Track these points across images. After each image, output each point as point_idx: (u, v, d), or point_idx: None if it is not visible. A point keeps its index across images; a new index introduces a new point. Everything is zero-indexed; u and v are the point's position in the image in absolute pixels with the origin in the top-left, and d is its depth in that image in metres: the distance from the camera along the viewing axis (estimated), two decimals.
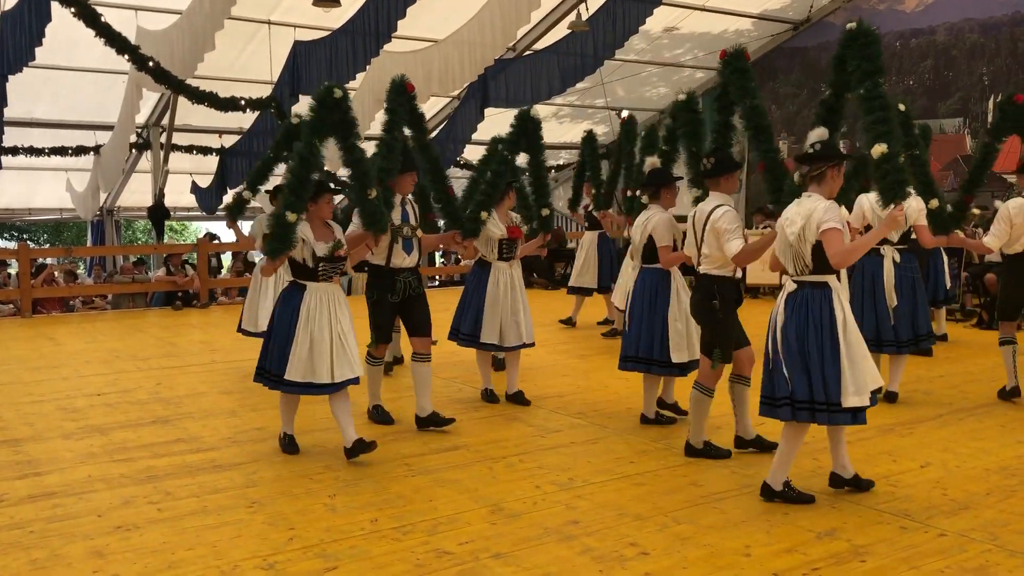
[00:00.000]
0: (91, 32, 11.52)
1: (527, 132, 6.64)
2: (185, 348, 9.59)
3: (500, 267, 6.62)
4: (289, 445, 5.55)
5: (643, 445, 5.63)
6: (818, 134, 4.57)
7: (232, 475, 5.08)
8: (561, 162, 20.12)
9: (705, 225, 5.16)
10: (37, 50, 11.28)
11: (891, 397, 6.57)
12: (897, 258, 6.58)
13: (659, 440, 5.74)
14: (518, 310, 6.61)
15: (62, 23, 11.46)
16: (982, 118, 14.00)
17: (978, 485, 4.82)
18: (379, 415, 6.26)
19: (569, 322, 10.79)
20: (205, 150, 17.00)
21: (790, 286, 4.49)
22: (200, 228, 30.88)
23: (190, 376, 7.92)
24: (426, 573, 3.72)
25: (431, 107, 17.35)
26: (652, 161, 6.20)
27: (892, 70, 15.33)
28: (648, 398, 6.15)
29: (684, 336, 5.86)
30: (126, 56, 11.82)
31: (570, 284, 10.83)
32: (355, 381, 5.29)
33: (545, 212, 6.80)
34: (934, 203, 6.22)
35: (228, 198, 16.09)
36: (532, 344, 6.77)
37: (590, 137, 10.55)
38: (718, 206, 5.14)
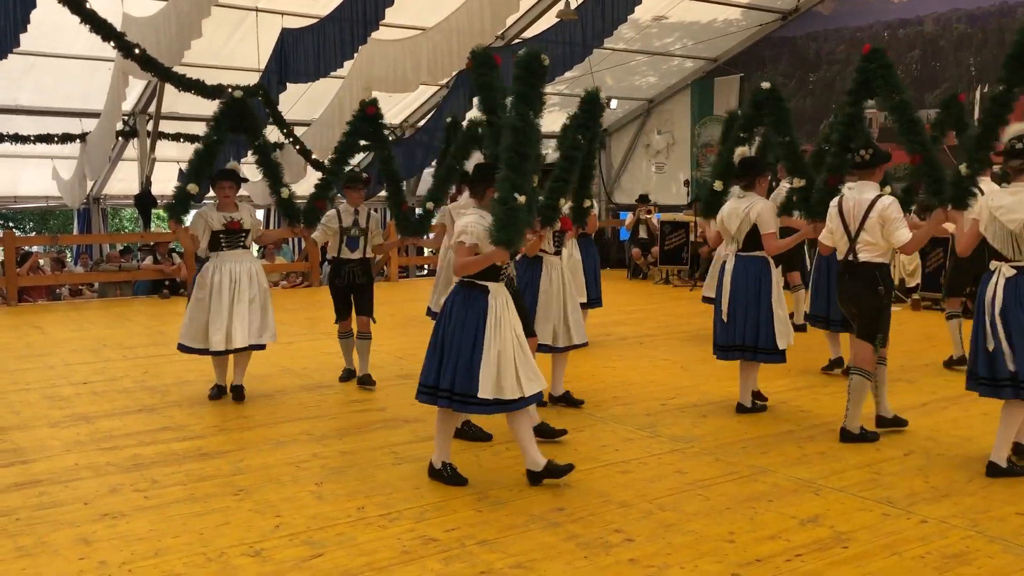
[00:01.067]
0: (76, 18, 11.41)
1: (593, 115, 6.39)
2: (172, 336, 9.51)
3: (552, 262, 6.11)
4: (453, 476, 4.71)
5: (629, 433, 5.66)
6: (1016, 129, 4.74)
7: (219, 463, 5.08)
8: (549, 151, 20.11)
9: (867, 214, 5.29)
10: (22, 36, 11.17)
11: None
12: None
13: (645, 428, 5.77)
14: (571, 307, 6.16)
15: (47, 9, 11.35)
16: (969, 108, 14.05)
17: (960, 473, 4.87)
18: (348, 376, 7.24)
19: None
20: (192, 138, 16.82)
21: (1007, 271, 4.66)
22: (187, 216, 30.69)
23: (177, 364, 7.90)
24: (412, 559, 3.74)
25: (419, 96, 17.30)
26: (742, 151, 6.35)
27: None
28: (746, 387, 6.19)
29: (786, 322, 6.01)
30: (112, 43, 11.72)
31: None
32: (540, 396, 4.70)
33: (587, 203, 6.48)
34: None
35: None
36: (585, 344, 6.32)
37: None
38: (880, 195, 5.33)
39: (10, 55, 11.51)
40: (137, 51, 11.68)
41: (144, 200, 16.40)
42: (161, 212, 30.36)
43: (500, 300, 4.54)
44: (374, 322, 7.23)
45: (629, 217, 16.77)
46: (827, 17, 15.70)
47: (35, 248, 15.41)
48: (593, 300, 8.72)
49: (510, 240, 4.35)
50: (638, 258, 15.79)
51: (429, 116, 16.90)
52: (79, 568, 3.67)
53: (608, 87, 17.87)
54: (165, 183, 18.46)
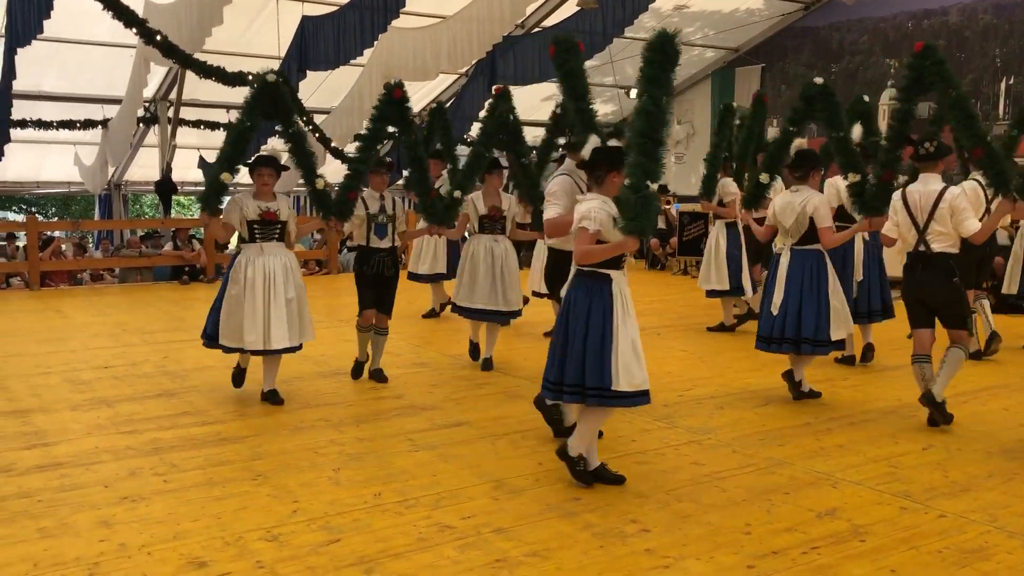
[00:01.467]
0: (99, 5, 11.48)
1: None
2: (192, 322, 9.62)
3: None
4: (585, 473, 4.55)
5: (645, 424, 5.65)
6: None
7: (237, 448, 5.12)
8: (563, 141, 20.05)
9: (936, 205, 5.45)
10: (46, 23, 11.26)
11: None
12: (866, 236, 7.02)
13: (662, 419, 5.76)
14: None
15: None
16: (994, 100, 13.91)
17: (979, 467, 4.83)
18: (359, 370, 6.92)
19: None
20: (212, 125, 16.96)
21: None
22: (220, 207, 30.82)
23: (197, 350, 7.91)
24: (428, 546, 3.76)
25: (439, 84, 17.29)
26: (799, 143, 6.39)
27: (903, 51, 15.23)
28: (799, 373, 6.27)
29: (841, 312, 6.10)
30: (133, 30, 11.78)
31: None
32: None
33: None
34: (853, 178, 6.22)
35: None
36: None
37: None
38: (947, 187, 5.48)
39: (34, 41, 11.61)
40: (159, 37, 11.73)
41: (164, 186, 16.51)
42: (181, 198, 30.66)
43: (624, 288, 4.42)
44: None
45: None
46: (850, 7, 15.54)
47: (57, 233, 15.54)
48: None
49: (643, 228, 4.23)
50: (656, 249, 15.73)
51: (449, 104, 16.88)
52: (99, 550, 3.71)
53: (628, 77, 17.79)
54: (185, 170, 18.61)
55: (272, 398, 6.13)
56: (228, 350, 6.14)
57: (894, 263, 12.25)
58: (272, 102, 6.11)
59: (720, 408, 6.06)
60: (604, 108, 19.60)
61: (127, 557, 3.64)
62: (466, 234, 7.53)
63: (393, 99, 6.49)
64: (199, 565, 3.57)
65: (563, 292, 4.57)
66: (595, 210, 4.30)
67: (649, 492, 4.42)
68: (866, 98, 7.03)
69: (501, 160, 7.26)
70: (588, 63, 16.28)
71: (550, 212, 5.07)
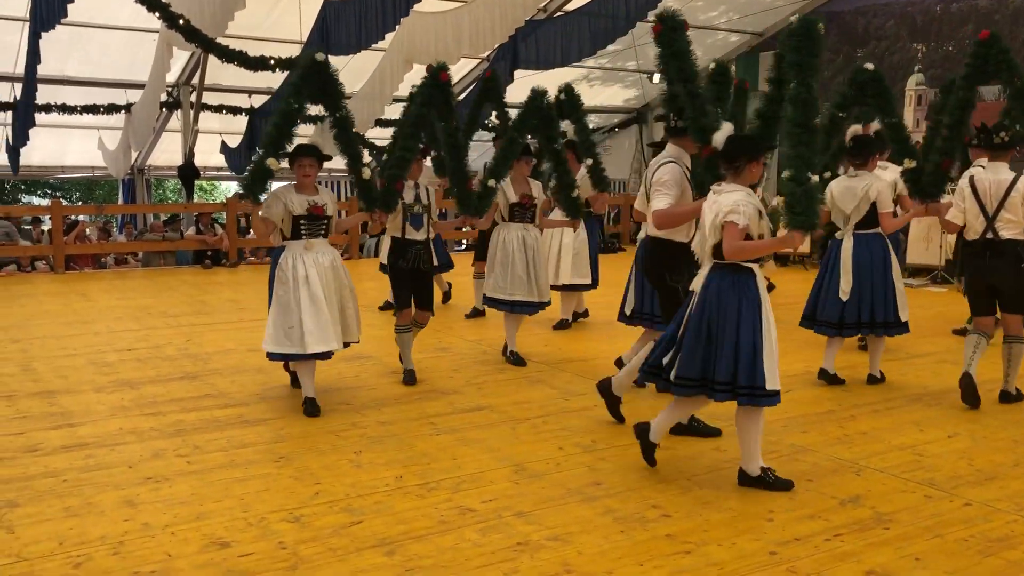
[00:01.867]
0: None
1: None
2: (214, 306, 9.70)
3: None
4: (777, 481, 4.33)
5: None
6: None
7: (260, 430, 5.15)
8: (592, 126, 19.95)
9: (1008, 193, 5.54)
10: (69, 7, 11.31)
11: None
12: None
13: None
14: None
15: None
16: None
17: (1005, 456, 4.78)
18: (410, 378, 6.28)
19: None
20: (235, 110, 17.01)
21: None
22: (229, 187, 31.03)
23: (219, 333, 8.01)
24: (449, 529, 3.76)
25: (460, 68, 17.23)
26: (855, 128, 6.36)
27: (931, 35, 15.02)
28: (876, 359, 6.37)
29: (904, 294, 6.19)
30: (156, 14, 11.82)
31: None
32: None
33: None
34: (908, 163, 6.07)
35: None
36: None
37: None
38: (1018, 175, 5.55)
39: (57, 26, 11.66)
40: (181, 21, 11.76)
41: (187, 171, 16.60)
42: (203, 183, 30.79)
43: (763, 282, 4.29)
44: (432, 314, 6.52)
45: None
46: None
47: (82, 217, 15.67)
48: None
49: (810, 223, 4.07)
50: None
51: (470, 89, 16.83)
52: (123, 529, 3.74)
53: (650, 61, 17.66)
54: (208, 154, 18.68)
55: (310, 407, 5.49)
56: (280, 357, 5.54)
57: (918, 251, 12.14)
58: (320, 83, 5.59)
59: None
60: (627, 93, 19.49)
61: (151, 536, 3.67)
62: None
63: (439, 83, 6.17)
64: (222, 545, 3.60)
65: (694, 285, 4.32)
66: (742, 203, 4.08)
67: (671, 477, 4.40)
68: (869, 65, 6.69)
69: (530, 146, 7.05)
70: (610, 47, 16.14)
71: (661, 202, 4.77)
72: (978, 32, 11.48)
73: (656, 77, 18.30)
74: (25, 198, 31.55)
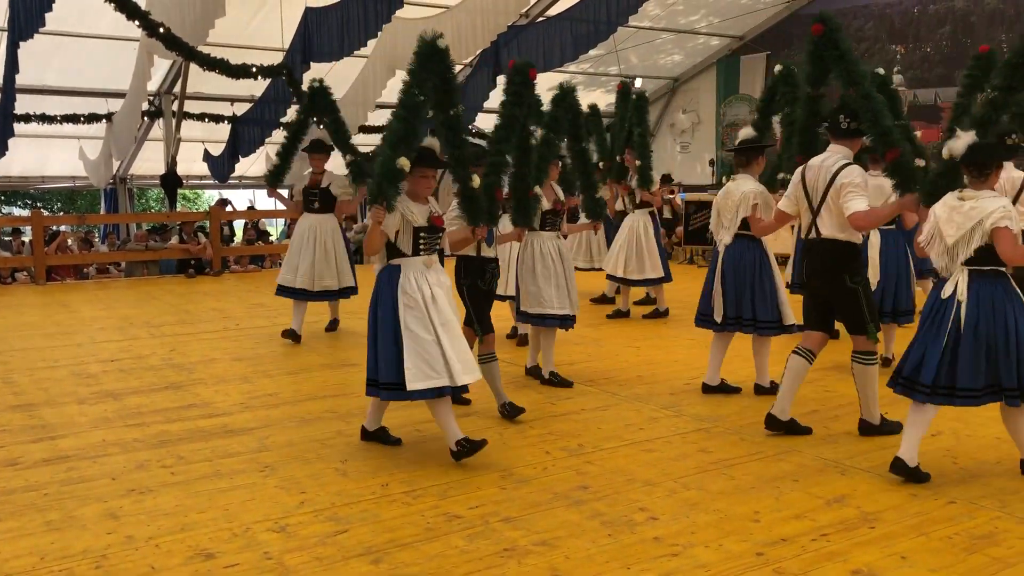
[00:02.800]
0: None
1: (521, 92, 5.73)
2: (198, 315, 9.64)
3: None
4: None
5: (653, 412, 5.64)
6: None
7: (244, 440, 5.12)
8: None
9: (1021, 192, 5.54)
10: (47, 16, 11.24)
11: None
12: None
13: (669, 407, 5.74)
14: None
15: None
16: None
17: (988, 454, 4.81)
18: (511, 410, 5.60)
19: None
20: (217, 118, 16.94)
21: None
22: (212, 196, 30.90)
23: (203, 343, 7.97)
24: (436, 536, 3.75)
25: None
26: (747, 131, 6.37)
27: (909, 37, 15.13)
28: (889, 343, 6.78)
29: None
30: (136, 22, 11.76)
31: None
32: None
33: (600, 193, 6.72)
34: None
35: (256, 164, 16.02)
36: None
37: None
38: None
39: (36, 35, 11.59)
40: (162, 30, 11.71)
41: (170, 180, 16.52)
42: (187, 192, 30.64)
43: None
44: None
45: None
46: None
47: (63, 228, 15.55)
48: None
49: None
50: (663, 238, 15.69)
51: None
52: (106, 542, 3.71)
53: (633, 65, 17.73)
54: (191, 163, 18.60)
55: (472, 447, 4.69)
56: (424, 395, 4.62)
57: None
58: (441, 74, 4.83)
59: (727, 396, 6.03)
60: (609, 97, 19.52)
61: (134, 549, 3.64)
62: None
63: (528, 81, 5.59)
64: (207, 557, 3.57)
65: (947, 293, 4.29)
66: (1011, 209, 4.13)
67: (657, 480, 4.40)
68: (881, 70, 6.75)
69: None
70: (592, 53, 16.21)
71: (861, 203, 4.75)
72: (956, 33, 11.48)
73: (638, 81, 18.38)
74: (5, 209, 31.31)
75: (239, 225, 18.23)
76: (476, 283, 5.57)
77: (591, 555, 3.56)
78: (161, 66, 15.24)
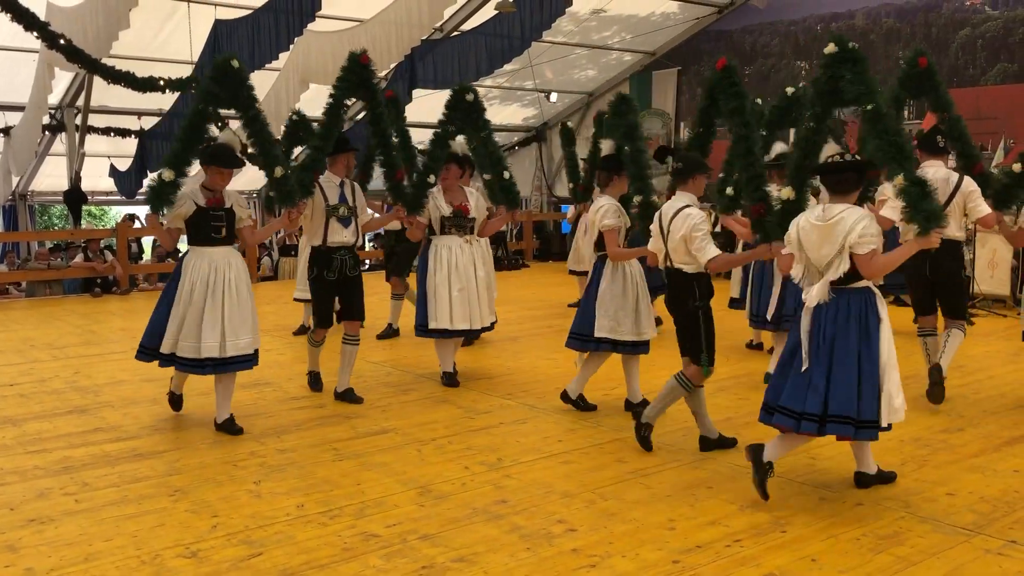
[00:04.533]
0: None
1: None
2: (105, 336, 9.32)
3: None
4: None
5: (571, 424, 5.67)
6: None
7: (154, 463, 4.96)
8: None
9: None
10: None
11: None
12: None
13: (587, 419, 5.78)
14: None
15: None
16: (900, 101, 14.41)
17: (893, 456, 4.97)
18: (317, 382, 6.60)
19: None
20: (124, 132, 16.44)
21: None
22: (120, 213, 29.99)
23: (110, 364, 7.70)
24: (353, 556, 3.69)
25: None
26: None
27: (813, 54, 15.65)
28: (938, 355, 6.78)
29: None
30: (35, 33, 11.35)
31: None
32: None
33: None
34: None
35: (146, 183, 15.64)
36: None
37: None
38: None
39: None
40: (62, 41, 11.32)
41: (74, 196, 15.95)
42: (92, 209, 29.64)
43: None
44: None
45: (570, 210, 16.81)
46: (762, 11, 15.92)
47: None
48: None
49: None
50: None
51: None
52: None
53: (548, 80, 17.90)
54: (96, 178, 18.01)
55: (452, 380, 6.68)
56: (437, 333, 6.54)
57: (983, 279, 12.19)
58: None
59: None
60: (525, 112, 19.68)
61: None
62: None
63: (360, 64, 6.11)
64: None
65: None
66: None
67: (575, 491, 4.42)
68: (789, 89, 6.86)
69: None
70: (508, 68, 16.41)
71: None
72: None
73: (553, 96, 18.56)
74: None
75: (148, 242, 17.71)
76: (323, 273, 6.06)
77: (510, 569, 3.56)
78: (63, 78, 14.73)
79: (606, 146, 6.04)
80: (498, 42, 13.96)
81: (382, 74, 15.40)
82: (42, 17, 11.47)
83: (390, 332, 8.88)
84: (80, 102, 15.44)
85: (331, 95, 6.13)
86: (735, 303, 8.06)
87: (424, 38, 13.82)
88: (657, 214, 5.16)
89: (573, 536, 3.87)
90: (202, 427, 5.68)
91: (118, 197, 18.93)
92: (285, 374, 7.14)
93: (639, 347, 5.79)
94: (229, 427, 5.49)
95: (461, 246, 6.57)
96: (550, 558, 3.66)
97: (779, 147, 6.81)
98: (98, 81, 13.72)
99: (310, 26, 12.78)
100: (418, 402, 6.30)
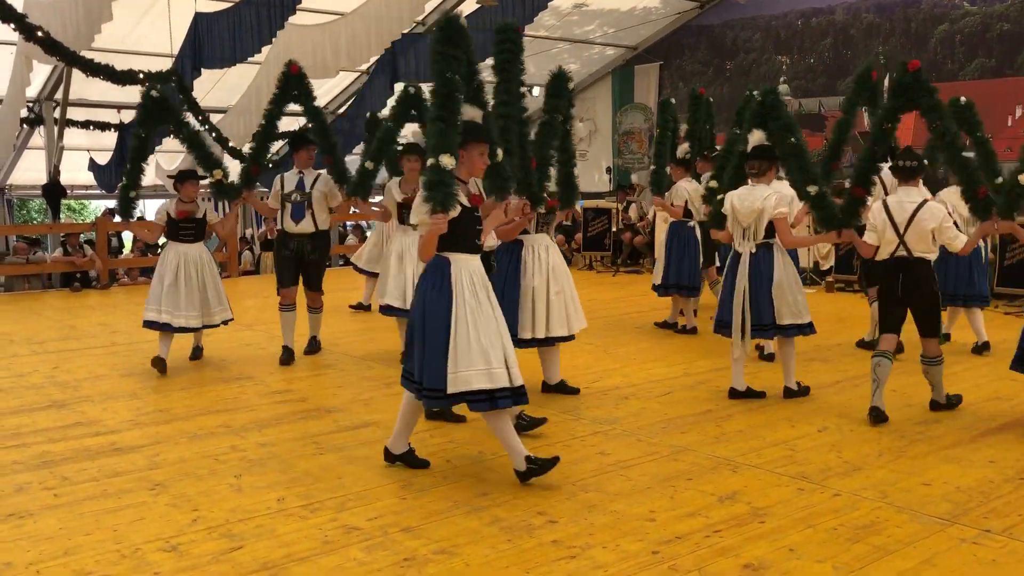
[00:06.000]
0: None
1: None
2: (84, 330, 9.27)
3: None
4: None
5: (553, 416, 5.67)
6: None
7: (134, 458, 4.94)
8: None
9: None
10: None
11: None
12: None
13: (568, 411, 5.81)
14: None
15: None
16: (879, 95, 14.51)
17: (871, 447, 5.02)
18: (289, 357, 7.30)
19: None
20: (103, 125, 16.33)
21: None
22: (99, 206, 29.78)
23: (89, 358, 7.66)
24: (334, 549, 3.69)
25: (340, 81, 17.06)
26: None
27: (794, 48, 15.74)
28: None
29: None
30: (11, 25, 11.24)
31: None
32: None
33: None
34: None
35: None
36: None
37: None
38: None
39: None
40: (40, 34, 11.22)
41: (53, 190, 15.83)
42: (72, 203, 29.45)
43: None
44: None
45: None
46: (743, 6, 15.98)
47: None
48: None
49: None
50: (561, 244, 15.88)
51: (350, 103, 16.68)
52: None
53: (530, 75, 17.83)
54: (75, 172, 17.87)
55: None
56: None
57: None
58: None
59: (624, 399, 6.14)
60: None
61: None
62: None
63: (292, 74, 7.07)
64: None
65: None
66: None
67: (556, 484, 4.44)
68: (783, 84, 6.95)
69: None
70: (488, 61, 16.40)
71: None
72: (836, 44, 11.93)
73: (536, 90, 18.55)
74: None
75: (128, 236, 17.59)
76: (282, 252, 7.28)
77: (490, 560, 3.57)
78: (41, 71, 14.60)
79: (756, 137, 6.08)
80: (479, 36, 13.87)
81: (363, 67, 15.40)
82: (20, 9, 11.35)
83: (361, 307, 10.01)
84: (59, 95, 15.31)
85: (266, 107, 7.23)
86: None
87: (405, 31, 13.79)
88: (884, 206, 5.56)
89: (553, 528, 3.90)
90: (181, 421, 5.66)
91: (98, 191, 18.81)
92: (266, 368, 7.13)
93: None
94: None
95: (406, 232, 6.96)
96: (530, 550, 3.68)
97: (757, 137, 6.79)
98: (77, 74, 13.63)
99: (291, 19, 12.74)
100: (400, 396, 6.26)
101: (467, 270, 4.37)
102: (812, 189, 5.82)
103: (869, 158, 5.88)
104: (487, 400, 4.28)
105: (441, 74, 4.35)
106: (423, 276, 4.44)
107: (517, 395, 4.35)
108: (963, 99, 6.46)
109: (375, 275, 9.21)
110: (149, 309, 6.91)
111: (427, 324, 4.34)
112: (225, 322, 7.31)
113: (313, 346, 7.64)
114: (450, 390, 4.27)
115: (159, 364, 6.85)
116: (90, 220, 19.79)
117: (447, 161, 4.17)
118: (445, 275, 4.33)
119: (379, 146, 7.24)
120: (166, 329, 6.90)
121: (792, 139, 5.86)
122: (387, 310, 7.05)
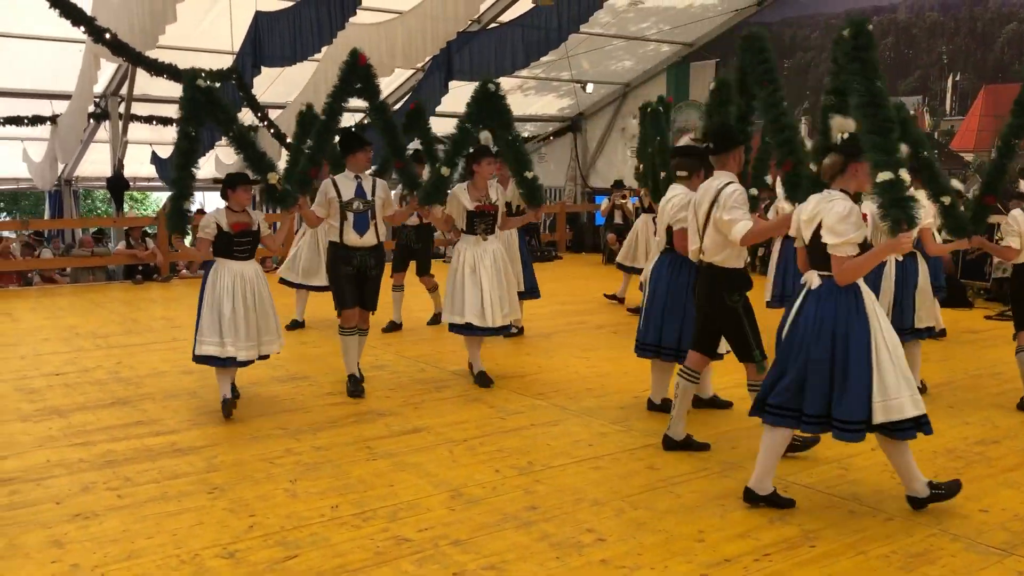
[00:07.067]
0: (45, 2, 11.23)
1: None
2: (146, 324, 9.51)
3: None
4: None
5: (602, 427, 5.70)
6: None
7: (192, 459, 5.08)
8: (527, 134, 20.05)
9: None
10: None
11: None
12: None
13: (618, 422, 5.82)
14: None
15: None
16: (940, 96, 14.17)
17: (925, 468, 4.92)
18: (358, 389, 6.47)
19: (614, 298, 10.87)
20: (165, 120, 16.66)
21: None
22: (161, 198, 30.43)
23: (151, 354, 7.86)
24: (385, 561, 3.77)
25: (395, 79, 17.17)
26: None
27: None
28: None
29: None
30: (81, 28, 11.54)
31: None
32: None
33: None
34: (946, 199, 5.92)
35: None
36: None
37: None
38: None
39: None
40: (108, 36, 11.49)
41: (116, 183, 16.22)
42: (134, 194, 30.12)
43: None
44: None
45: (604, 202, 16.79)
46: (802, 3, 15.72)
47: (5, 233, 15.18)
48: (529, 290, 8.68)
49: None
50: (613, 243, 15.78)
51: (404, 100, 16.78)
52: (51, 572, 3.66)
53: (584, 71, 17.83)
54: (138, 165, 18.30)
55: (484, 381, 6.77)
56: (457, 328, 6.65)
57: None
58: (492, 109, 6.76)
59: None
60: (561, 102, 19.64)
61: None
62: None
63: (358, 65, 6.62)
64: None
65: None
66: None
67: (605, 499, 4.47)
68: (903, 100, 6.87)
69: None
70: (544, 59, 16.30)
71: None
72: (898, 43, 11.64)
73: (590, 87, 18.50)
74: None
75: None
76: (339, 266, 6.37)
77: None
78: (108, 68, 14.96)
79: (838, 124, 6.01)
80: (535, 35, 13.93)
81: (419, 65, 15.48)
82: (88, 11, 11.64)
83: (393, 327, 9.05)
84: (124, 91, 15.68)
85: (329, 96, 6.63)
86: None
87: (461, 30, 13.83)
88: None
89: (603, 546, 3.92)
90: (238, 422, 5.80)
91: (159, 183, 19.22)
92: (323, 368, 7.25)
93: None
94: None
95: (478, 243, 6.67)
96: (579, 568, 3.71)
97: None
98: (141, 71, 13.92)
99: (350, 19, 12.85)
100: (451, 400, 6.37)
101: None
102: (945, 200, 5.83)
103: (999, 169, 5.98)
104: (912, 428, 4.20)
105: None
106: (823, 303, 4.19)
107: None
108: None
109: (313, 289, 8.92)
110: (206, 343, 5.80)
111: (850, 354, 4.10)
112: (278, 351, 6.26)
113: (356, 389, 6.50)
114: (878, 420, 4.11)
115: (229, 407, 5.86)
116: (152, 211, 20.22)
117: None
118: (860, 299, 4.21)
119: (455, 149, 6.64)
120: (229, 364, 5.83)
121: (924, 152, 5.85)
122: (466, 329, 6.56)
